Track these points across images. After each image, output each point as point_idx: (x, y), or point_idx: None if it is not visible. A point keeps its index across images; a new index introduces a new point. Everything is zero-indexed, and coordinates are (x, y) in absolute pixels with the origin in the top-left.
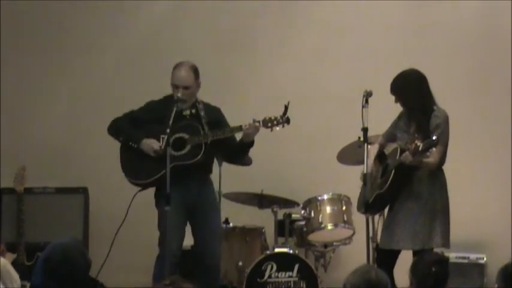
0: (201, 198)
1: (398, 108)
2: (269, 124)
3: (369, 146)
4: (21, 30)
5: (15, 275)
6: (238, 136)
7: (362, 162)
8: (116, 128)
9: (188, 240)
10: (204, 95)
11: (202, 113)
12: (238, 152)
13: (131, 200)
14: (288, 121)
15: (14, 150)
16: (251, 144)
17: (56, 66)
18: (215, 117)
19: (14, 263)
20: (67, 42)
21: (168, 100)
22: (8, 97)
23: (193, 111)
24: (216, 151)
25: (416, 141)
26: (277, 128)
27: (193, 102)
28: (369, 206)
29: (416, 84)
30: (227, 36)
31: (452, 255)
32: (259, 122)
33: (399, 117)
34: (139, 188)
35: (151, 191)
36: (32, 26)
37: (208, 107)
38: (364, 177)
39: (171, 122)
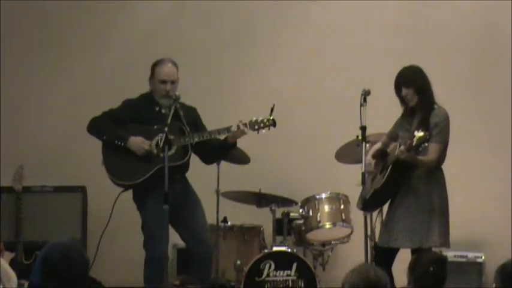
0: (184, 197)
1: (396, 107)
2: (255, 126)
3: (367, 145)
4: (21, 30)
5: (13, 275)
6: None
7: (360, 161)
8: (98, 127)
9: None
10: (202, 94)
11: (181, 113)
12: (218, 152)
13: (115, 200)
14: (274, 124)
15: (13, 149)
16: (234, 145)
17: (55, 66)
18: (192, 117)
19: (12, 262)
20: (66, 42)
21: (145, 99)
22: (7, 97)
23: (173, 109)
24: (195, 151)
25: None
26: (263, 131)
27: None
28: (366, 203)
29: (426, 78)
30: (225, 36)
31: (451, 254)
32: (245, 124)
33: (402, 117)
34: (122, 188)
35: None
36: (32, 26)
37: (184, 106)
38: (362, 176)
39: (169, 120)
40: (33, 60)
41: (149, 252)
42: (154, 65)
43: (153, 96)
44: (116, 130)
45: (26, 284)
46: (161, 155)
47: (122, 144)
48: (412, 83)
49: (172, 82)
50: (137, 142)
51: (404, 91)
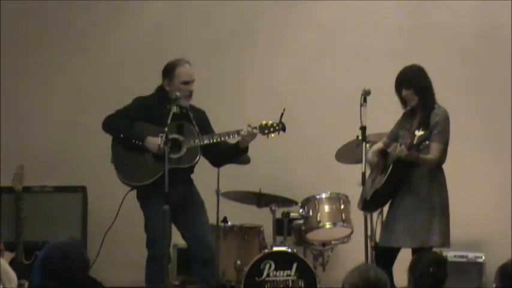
0: (187, 198)
1: (396, 107)
2: (265, 131)
3: (367, 145)
4: (21, 30)
5: (13, 275)
6: None
7: (360, 161)
8: (116, 126)
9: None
10: (203, 95)
11: (191, 114)
12: (229, 156)
13: (122, 199)
14: (283, 128)
15: (13, 149)
16: (246, 149)
17: (55, 66)
18: (201, 119)
19: (12, 262)
20: (66, 42)
21: (156, 98)
22: (7, 97)
23: (184, 110)
24: (204, 153)
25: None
26: (273, 135)
27: None
28: (367, 203)
29: (427, 78)
30: (226, 37)
31: (451, 254)
32: (256, 127)
33: (403, 117)
34: (130, 188)
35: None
36: (32, 26)
37: (194, 108)
38: (363, 176)
39: (169, 120)
40: (33, 60)
41: (151, 251)
42: (172, 66)
43: (168, 96)
44: (133, 129)
45: (26, 284)
46: (171, 156)
47: (140, 143)
48: (412, 84)
49: (193, 82)
50: (153, 142)
51: (404, 92)
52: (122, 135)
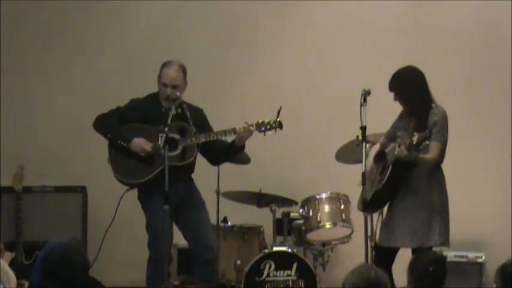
0: (188, 197)
1: (396, 107)
2: (262, 128)
3: (367, 145)
4: (21, 30)
5: (12, 275)
6: None
7: (360, 161)
8: (104, 125)
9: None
10: (202, 94)
11: (188, 113)
12: (226, 154)
13: (120, 199)
14: (280, 126)
15: (13, 149)
16: (242, 148)
17: (56, 66)
18: (199, 118)
19: (12, 262)
20: (67, 42)
21: (152, 99)
22: (7, 96)
23: (179, 110)
24: (202, 151)
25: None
26: (270, 133)
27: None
28: (367, 204)
29: (416, 81)
30: (225, 36)
31: (451, 254)
32: (252, 125)
33: (400, 117)
34: (128, 187)
35: None
36: (32, 25)
37: (191, 107)
38: (363, 176)
39: (169, 121)
40: (33, 60)
41: (153, 251)
42: (162, 66)
43: (159, 96)
44: (120, 130)
45: (26, 284)
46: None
47: (125, 144)
48: (395, 91)
49: (174, 87)
50: (139, 144)
51: (394, 96)
52: (108, 135)
